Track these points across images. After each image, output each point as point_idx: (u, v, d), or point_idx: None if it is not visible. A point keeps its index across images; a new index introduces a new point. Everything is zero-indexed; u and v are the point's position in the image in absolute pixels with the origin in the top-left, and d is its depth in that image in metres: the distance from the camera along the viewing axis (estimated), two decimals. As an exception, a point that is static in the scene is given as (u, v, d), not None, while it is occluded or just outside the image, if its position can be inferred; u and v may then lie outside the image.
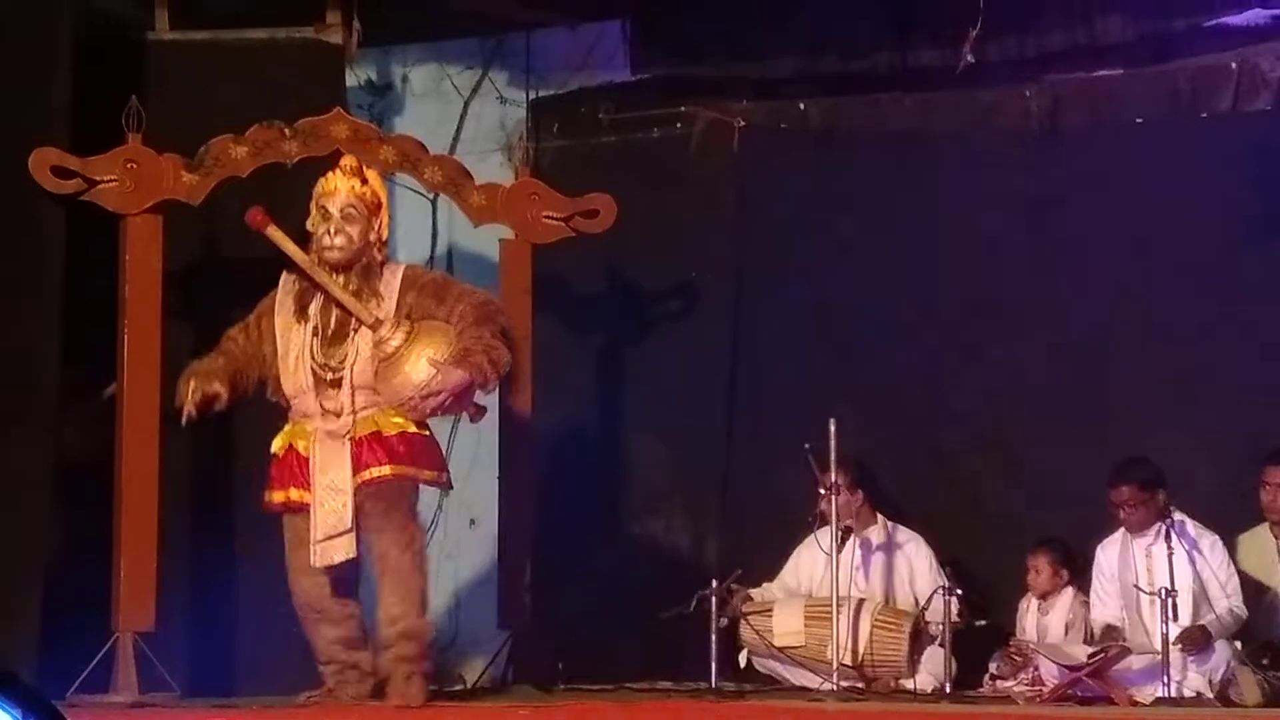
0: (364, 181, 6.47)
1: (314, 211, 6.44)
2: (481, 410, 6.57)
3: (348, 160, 6.57)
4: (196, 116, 7.22)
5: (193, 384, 6.31)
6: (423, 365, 6.26)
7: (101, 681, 6.52)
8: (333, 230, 6.35)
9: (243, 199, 7.00)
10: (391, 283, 6.42)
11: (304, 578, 6.28)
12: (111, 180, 6.75)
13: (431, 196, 8.34)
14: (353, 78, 8.23)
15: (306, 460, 6.29)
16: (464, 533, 8.53)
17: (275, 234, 6.45)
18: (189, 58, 7.54)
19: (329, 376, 6.32)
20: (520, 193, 7.59)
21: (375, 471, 6.24)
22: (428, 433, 6.40)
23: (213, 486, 7.22)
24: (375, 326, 6.28)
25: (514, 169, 8.30)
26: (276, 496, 6.36)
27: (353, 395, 6.28)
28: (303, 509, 6.28)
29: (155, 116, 6.88)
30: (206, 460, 7.26)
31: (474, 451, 7.98)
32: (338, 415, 6.28)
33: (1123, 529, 7.30)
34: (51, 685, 6.10)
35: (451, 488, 6.73)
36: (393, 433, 6.29)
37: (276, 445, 6.40)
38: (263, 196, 7.13)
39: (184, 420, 6.33)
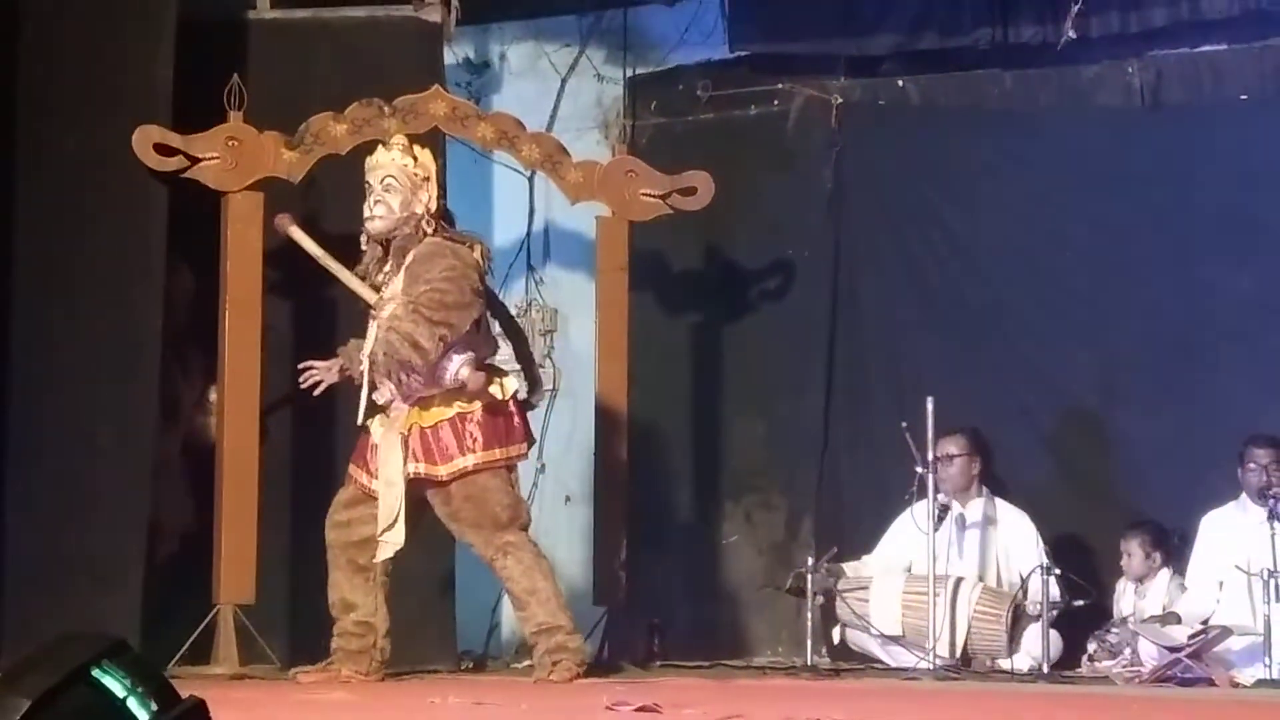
0: (410, 156, 6.42)
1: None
2: (475, 380, 6.21)
3: (396, 137, 6.56)
4: (297, 94, 7.27)
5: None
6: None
7: (202, 653, 6.60)
8: (373, 202, 6.35)
9: (342, 176, 7.09)
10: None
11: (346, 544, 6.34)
12: (213, 158, 6.81)
13: (529, 174, 8.36)
14: (451, 55, 8.25)
15: (370, 441, 6.32)
16: (559, 510, 8.56)
17: (295, 233, 6.53)
18: (289, 36, 7.58)
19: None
20: (617, 170, 7.60)
21: (419, 469, 6.22)
22: (469, 413, 6.22)
23: (313, 458, 7.28)
24: (377, 306, 6.26)
25: (611, 146, 8.30)
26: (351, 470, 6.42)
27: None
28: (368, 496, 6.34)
29: (256, 95, 6.93)
30: (306, 432, 7.33)
31: (570, 429, 8.02)
32: (386, 403, 6.30)
33: (1234, 502, 7.26)
34: (153, 657, 6.17)
35: (522, 459, 6.53)
36: (429, 424, 6.24)
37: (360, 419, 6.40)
38: (361, 175, 7.21)
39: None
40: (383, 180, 6.35)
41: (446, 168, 7.61)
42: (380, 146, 6.48)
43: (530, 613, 6.31)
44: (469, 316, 6.20)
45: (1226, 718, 5.67)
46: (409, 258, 6.27)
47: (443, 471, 6.23)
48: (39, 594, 6.47)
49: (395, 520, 6.21)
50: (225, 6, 7.57)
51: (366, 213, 6.35)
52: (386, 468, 6.26)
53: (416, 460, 6.23)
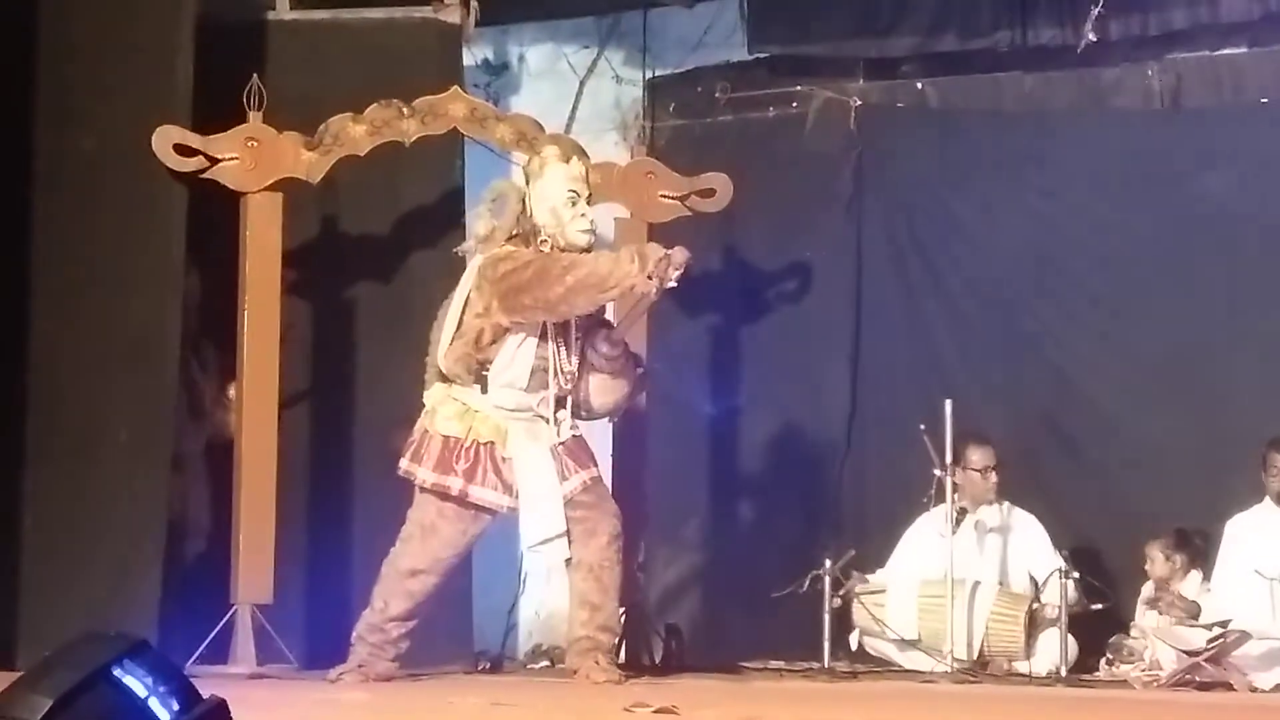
0: None
1: (547, 197, 6.31)
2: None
3: (568, 140, 6.65)
4: (316, 95, 7.27)
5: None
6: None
7: (220, 653, 6.60)
8: (590, 217, 6.37)
9: (361, 177, 7.11)
10: None
11: (446, 564, 6.32)
12: (233, 158, 6.82)
13: (547, 175, 8.35)
14: (470, 57, 8.26)
15: (494, 456, 6.22)
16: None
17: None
18: (309, 37, 7.59)
19: (550, 374, 6.26)
20: (636, 172, 7.59)
21: (586, 475, 6.30)
22: None
23: (331, 458, 7.29)
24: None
25: (630, 148, 8.30)
26: (452, 483, 6.21)
27: (565, 401, 6.30)
28: (482, 509, 6.26)
29: (275, 95, 6.93)
30: (325, 432, 7.33)
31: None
32: (539, 416, 6.27)
33: (1258, 505, 7.25)
34: (170, 657, 6.17)
35: None
36: (577, 433, 6.38)
37: (452, 429, 6.22)
38: (380, 175, 7.22)
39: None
40: (589, 196, 6.42)
41: (465, 169, 7.63)
42: (573, 157, 6.47)
43: (599, 599, 6.28)
44: None
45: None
46: None
47: (597, 470, 6.38)
48: (57, 592, 6.48)
49: (564, 532, 6.23)
50: (244, 8, 7.59)
51: (584, 225, 6.33)
52: (538, 479, 6.22)
53: (585, 467, 6.31)
